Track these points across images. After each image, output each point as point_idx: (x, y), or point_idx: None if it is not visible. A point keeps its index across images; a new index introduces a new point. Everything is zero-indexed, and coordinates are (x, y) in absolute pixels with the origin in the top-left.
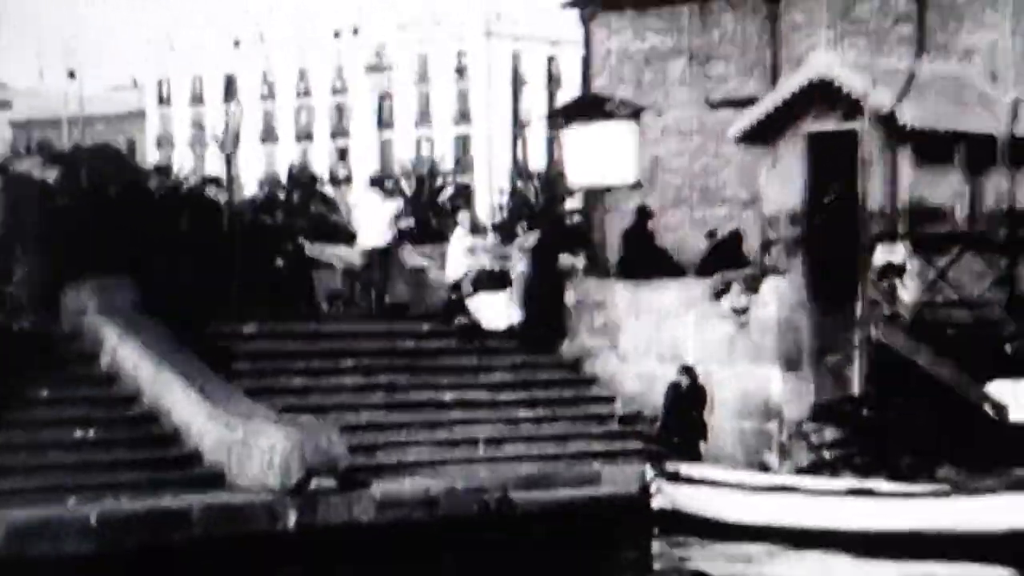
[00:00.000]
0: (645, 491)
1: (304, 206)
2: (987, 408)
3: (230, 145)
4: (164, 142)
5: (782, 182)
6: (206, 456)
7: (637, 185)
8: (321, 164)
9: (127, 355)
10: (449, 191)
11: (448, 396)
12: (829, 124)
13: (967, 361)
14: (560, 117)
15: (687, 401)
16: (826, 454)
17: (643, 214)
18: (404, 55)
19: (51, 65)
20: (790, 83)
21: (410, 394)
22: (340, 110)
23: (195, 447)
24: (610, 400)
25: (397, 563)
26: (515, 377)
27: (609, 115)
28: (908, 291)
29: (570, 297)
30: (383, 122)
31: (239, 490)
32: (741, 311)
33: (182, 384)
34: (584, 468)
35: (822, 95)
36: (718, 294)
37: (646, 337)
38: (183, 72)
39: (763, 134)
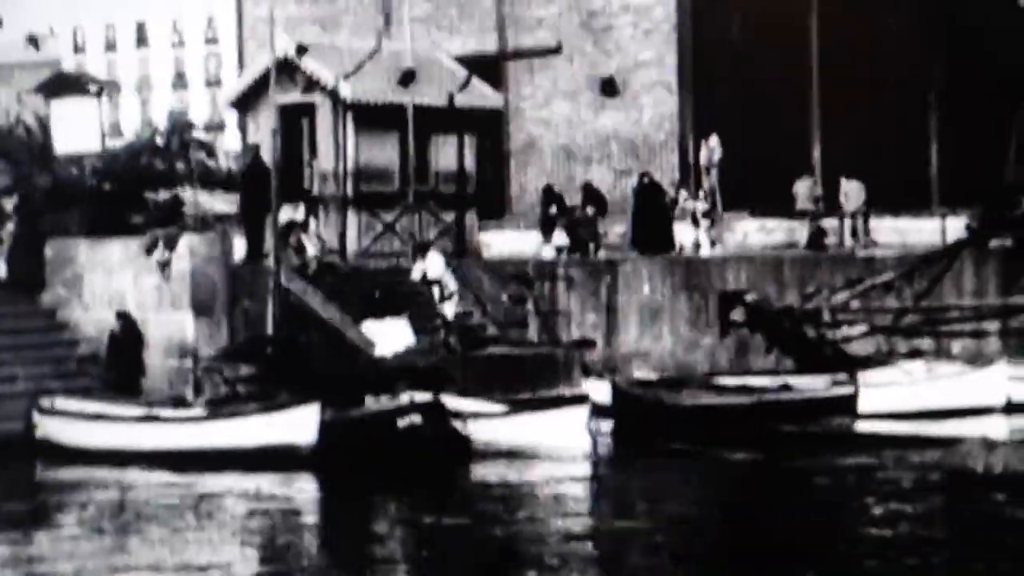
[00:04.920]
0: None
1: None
2: (359, 344)
3: None
4: None
5: (263, 146)
6: None
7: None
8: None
9: None
10: None
11: None
12: (295, 96)
13: (357, 303)
14: (44, 92)
15: (125, 344)
16: (239, 388)
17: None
18: None
19: None
20: (262, 60)
21: None
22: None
23: None
24: (74, 344)
25: None
26: None
27: (81, 91)
28: (312, 245)
29: (49, 252)
30: None
31: None
32: (164, 264)
33: None
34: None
35: (286, 72)
36: (148, 250)
37: (101, 288)
38: (96, 20)
39: (248, 103)
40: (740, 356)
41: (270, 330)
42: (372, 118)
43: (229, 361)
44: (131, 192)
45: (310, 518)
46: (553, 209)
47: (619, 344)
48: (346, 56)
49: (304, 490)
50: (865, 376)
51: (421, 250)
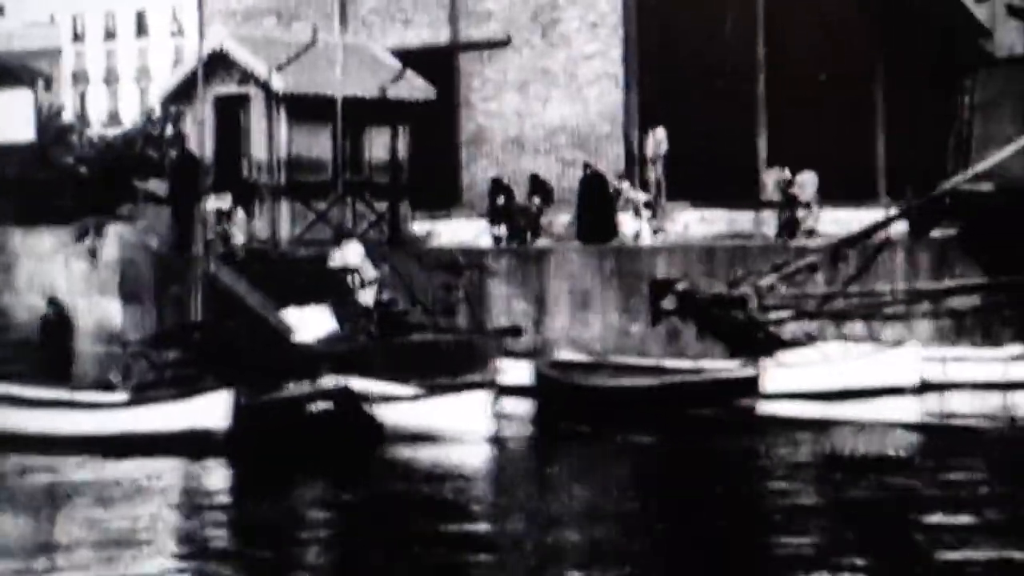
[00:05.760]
0: None
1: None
2: (280, 330)
3: None
4: (79, 78)
5: (202, 136)
6: None
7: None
8: None
9: None
10: None
11: None
12: (230, 88)
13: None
14: None
15: (56, 329)
16: (166, 373)
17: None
18: None
19: None
20: (198, 52)
21: None
22: None
23: None
24: (6, 330)
25: None
26: None
27: (13, 82)
28: (239, 233)
29: None
30: None
31: None
32: (93, 251)
33: None
34: None
35: (222, 64)
36: (79, 237)
37: (33, 275)
38: (96, 9)
39: (185, 94)
40: (671, 343)
41: (198, 316)
42: (305, 110)
43: (157, 347)
44: (124, 179)
45: (222, 502)
46: (501, 200)
47: (548, 332)
48: (282, 48)
49: (217, 475)
50: (774, 357)
51: (340, 239)
